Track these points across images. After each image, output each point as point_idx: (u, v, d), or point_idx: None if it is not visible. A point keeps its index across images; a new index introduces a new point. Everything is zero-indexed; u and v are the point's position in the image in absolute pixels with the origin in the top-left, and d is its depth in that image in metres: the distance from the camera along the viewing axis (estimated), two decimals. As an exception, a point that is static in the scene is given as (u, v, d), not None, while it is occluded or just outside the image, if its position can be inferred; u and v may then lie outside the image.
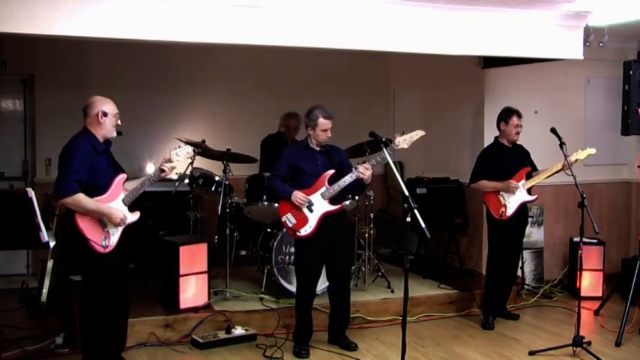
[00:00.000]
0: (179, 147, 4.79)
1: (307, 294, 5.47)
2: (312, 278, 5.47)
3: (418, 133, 5.34)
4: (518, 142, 6.24)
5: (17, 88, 7.67)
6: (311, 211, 5.34)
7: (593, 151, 5.91)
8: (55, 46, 7.02)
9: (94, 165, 4.50)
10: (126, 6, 4.70)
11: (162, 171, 4.69)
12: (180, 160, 4.75)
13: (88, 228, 4.46)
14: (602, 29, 6.32)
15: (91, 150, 4.50)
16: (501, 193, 6.09)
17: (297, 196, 5.30)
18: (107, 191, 4.57)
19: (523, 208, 6.17)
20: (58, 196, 4.43)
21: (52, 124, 7.41)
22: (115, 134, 4.66)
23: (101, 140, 4.60)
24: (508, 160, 6.16)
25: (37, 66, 7.44)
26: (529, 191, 6.15)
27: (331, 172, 5.39)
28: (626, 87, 5.99)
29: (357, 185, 5.43)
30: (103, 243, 4.50)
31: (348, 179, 5.29)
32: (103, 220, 4.52)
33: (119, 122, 4.65)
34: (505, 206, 6.09)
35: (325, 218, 5.35)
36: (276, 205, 6.22)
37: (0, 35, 4.82)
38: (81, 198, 4.39)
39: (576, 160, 5.82)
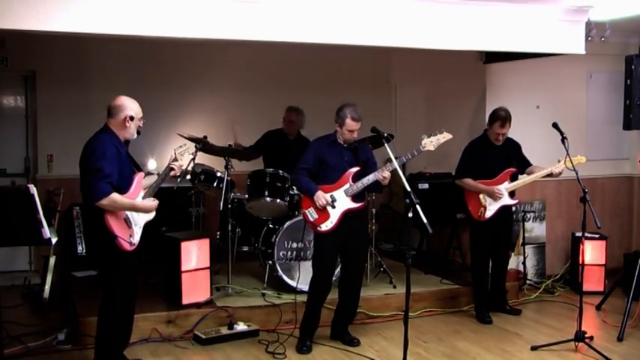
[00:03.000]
0: (180, 146, 4.93)
1: (320, 288, 5.45)
2: (327, 272, 5.46)
3: (446, 136, 5.35)
4: (511, 137, 6.21)
5: (18, 84, 7.66)
6: (333, 207, 5.34)
7: (583, 159, 5.91)
8: (56, 43, 7.02)
9: (120, 167, 4.51)
10: (125, 2, 4.70)
11: (172, 169, 4.81)
12: (184, 158, 4.90)
13: (117, 226, 4.48)
14: (604, 24, 6.31)
15: (116, 152, 4.50)
16: (482, 194, 6.09)
17: (320, 197, 5.30)
18: (129, 189, 4.58)
19: (506, 210, 6.16)
20: (94, 200, 4.33)
21: (54, 121, 7.43)
22: (136, 136, 4.71)
23: (122, 140, 4.64)
24: (493, 157, 6.14)
25: (38, 62, 7.43)
26: (511, 194, 6.14)
27: (356, 169, 5.40)
28: (628, 81, 5.98)
29: (377, 185, 5.45)
30: (130, 240, 4.55)
31: (371, 178, 5.30)
32: (127, 219, 4.57)
33: (141, 124, 4.70)
34: (485, 207, 6.08)
35: (346, 215, 5.36)
36: (278, 200, 6.27)
37: (1, 31, 4.82)
38: (116, 198, 4.39)
39: (560, 172, 5.83)
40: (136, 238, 4.64)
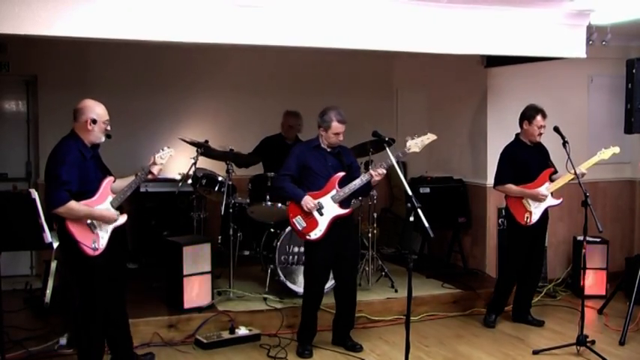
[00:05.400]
0: (162, 150, 4.75)
1: (315, 296, 5.44)
2: (320, 281, 5.44)
3: (430, 137, 5.30)
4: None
5: (20, 88, 7.67)
6: (321, 214, 5.28)
7: (617, 150, 5.87)
8: (57, 47, 7.02)
9: (83, 172, 4.45)
10: (128, 7, 4.70)
11: (150, 173, 4.66)
12: (164, 162, 4.74)
13: (78, 231, 4.42)
14: (605, 27, 6.31)
15: (79, 157, 4.44)
16: (526, 198, 6.01)
17: (308, 202, 5.23)
18: (95, 194, 4.51)
19: (545, 211, 6.08)
20: (50, 207, 4.34)
21: (55, 125, 7.32)
22: (103, 139, 4.59)
23: (89, 145, 4.54)
24: (530, 159, 6.04)
25: (40, 67, 7.44)
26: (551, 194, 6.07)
27: (341, 174, 5.34)
28: (629, 85, 5.98)
29: (366, 188, 5.38)
30: (93, 245, 4.46)
31: (359, 182, 5.24)
32: (92, 224, 4.48)
33: (108, 127, 4.58)
34: (530, 213, 5.98)
35: (335, 222, 5.31)
36: (280, 205, 6.25)
37: (2, 36, 4.82)
38: (73, 206, 4.35)
39: (579, 168, 5.77)
40: (101, 243, 4.51)
